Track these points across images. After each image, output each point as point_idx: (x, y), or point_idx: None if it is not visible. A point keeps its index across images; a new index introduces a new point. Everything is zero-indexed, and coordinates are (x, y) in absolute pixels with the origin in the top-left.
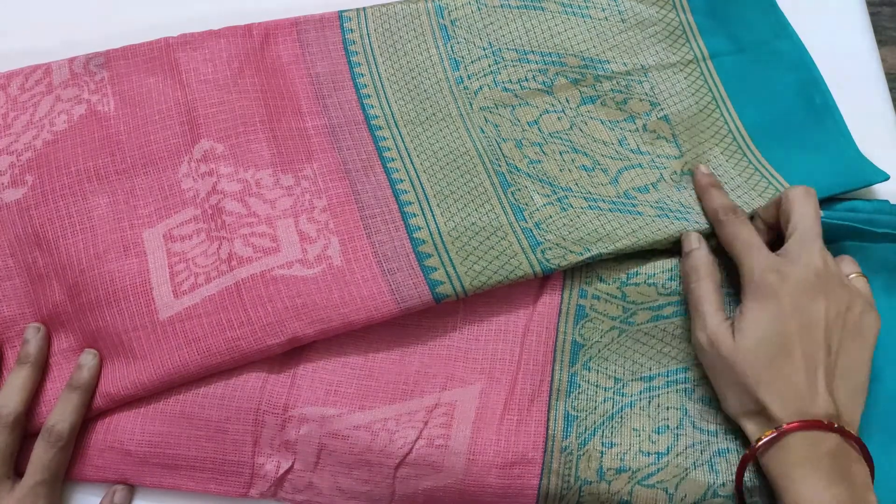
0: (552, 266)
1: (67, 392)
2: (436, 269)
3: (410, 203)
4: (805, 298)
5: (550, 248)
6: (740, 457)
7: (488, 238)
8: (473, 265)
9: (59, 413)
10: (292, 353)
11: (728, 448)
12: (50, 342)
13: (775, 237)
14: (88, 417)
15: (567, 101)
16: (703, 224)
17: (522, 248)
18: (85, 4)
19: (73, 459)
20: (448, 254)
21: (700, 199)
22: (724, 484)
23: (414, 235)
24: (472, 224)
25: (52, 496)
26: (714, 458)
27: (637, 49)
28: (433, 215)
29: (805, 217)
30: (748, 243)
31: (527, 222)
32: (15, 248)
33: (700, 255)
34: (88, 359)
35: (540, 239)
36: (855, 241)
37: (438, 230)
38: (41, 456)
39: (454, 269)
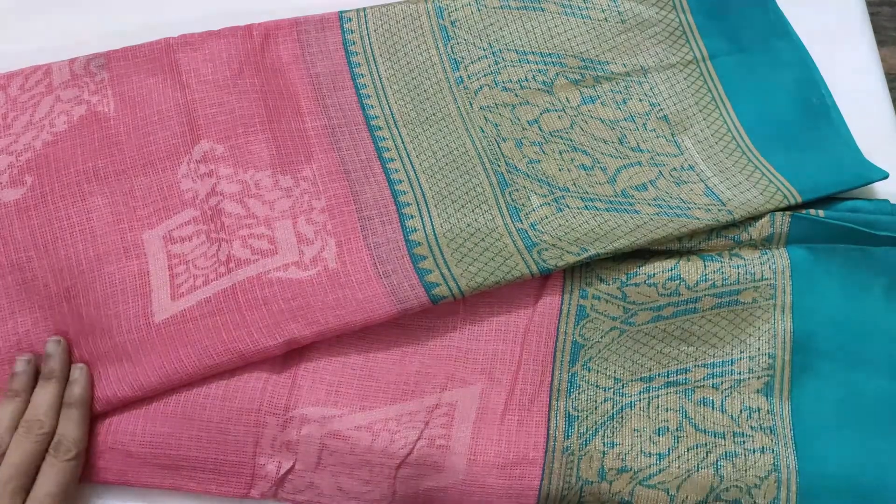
0: (549, 266)
1: (66, 409)
2: (431, 272)
3: (409, 204)
4: None
5: (546, 249)
6: (748, 461)
7: (483, 240)
8: (469, 266)
9: (62, 428)
10: (293, 354)
11: (736, 452)
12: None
13: None
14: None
15: (567, 100)
16: (703, 220)
17: (518, 249)
18: (85, 5)
19: None
20: (443, 256)
21: None
22: (727, 489)
23: (410, 237)
24: (468, 226)
25: None
26: (720, 461)
27: (637, 50)
28: (430, 216)
29: None
30: None
31: (522, 223)
32: (9, 248)
33: None
34: (76, 374)
35: (536, 240)
36: (856, 243)
37: (434, 232)
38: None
39: (449, 270)
